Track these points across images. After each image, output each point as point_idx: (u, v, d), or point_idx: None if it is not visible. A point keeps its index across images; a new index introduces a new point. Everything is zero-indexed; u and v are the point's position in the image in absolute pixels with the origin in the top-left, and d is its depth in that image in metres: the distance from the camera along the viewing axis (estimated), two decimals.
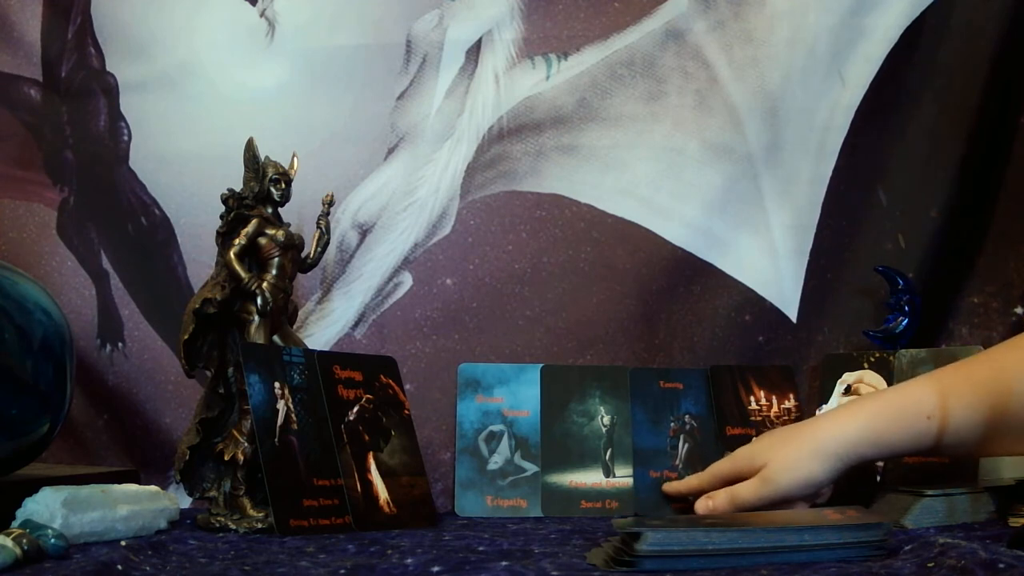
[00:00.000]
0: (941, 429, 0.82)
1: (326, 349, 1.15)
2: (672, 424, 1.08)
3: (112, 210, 1.20)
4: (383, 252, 1.18)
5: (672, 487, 0.99)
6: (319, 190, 1.07)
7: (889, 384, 1.02)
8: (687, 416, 1.09)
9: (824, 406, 1.07)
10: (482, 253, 1.18)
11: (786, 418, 1.09)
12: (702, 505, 0.90)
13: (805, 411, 1.11)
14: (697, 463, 1.06)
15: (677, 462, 1.07)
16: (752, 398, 1.10)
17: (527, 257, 1.18)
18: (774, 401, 1.10)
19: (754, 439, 0.93)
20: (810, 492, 0.86)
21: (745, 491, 0.86)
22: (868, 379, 1.06)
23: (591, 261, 1.18)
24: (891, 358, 1.05)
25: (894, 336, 1.09)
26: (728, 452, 0.98)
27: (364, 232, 1.19)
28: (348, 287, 1.18)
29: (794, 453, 0.85)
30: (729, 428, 1.07)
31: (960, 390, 0.81)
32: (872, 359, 1.06)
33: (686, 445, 1.07)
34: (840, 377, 1.07)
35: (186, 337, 0.95)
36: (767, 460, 0.86)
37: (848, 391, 1.06)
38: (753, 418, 1.08)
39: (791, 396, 1.11)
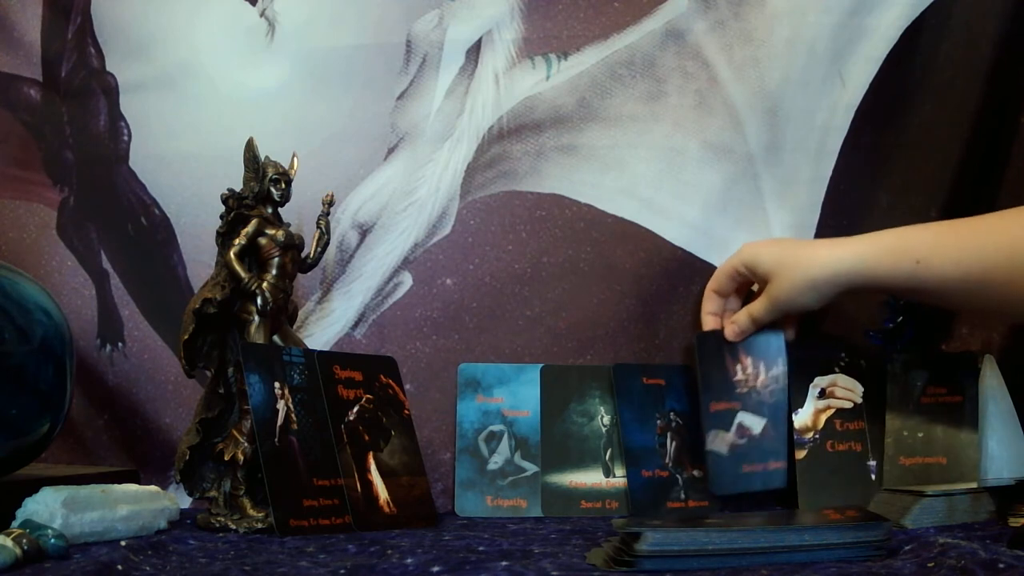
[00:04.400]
0: (927, 273, 0.87)
1: (326, 349, 1.15)
2: (659, 421, 1.08)
3: (112, 210, 1.20)
4: (383, 252, 1.18)
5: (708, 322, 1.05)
6: (319, 190, 1.07)
7: (862, 385, 1.07)
8: (672, 413, 1.09)
9: (800, 411, 1.08)
10: (482, 253, 1.18)
11: (773, 386, 1.04)
12: (730, 330, 1.00)
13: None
14: (686, 461, 1.06)
15: (667, 460, 1.07)
16: (739, 367, 1.07)
17: (527, 257, 1.18)
18: (761, 368, 1.06)
19: (756, 244, 0.99)
20: (807, 311, 0.97)
21: (757, 311, 0.97)
22: (842, 382, 1.07)
23: (591, 261, 1.18)
24: (861, 362, 1.08)
25: (894, 336, 1.09)
26: (713, 430, 1.02)
27: (364, 232, 1.19)
28: (348, 287, 1.18)
29: (798, 278, 0.93)
30: (713, 404, 1.01)
31: (949, 242, 0.87)
32: (842, 364, 1.09)
33: (674, 443, 1.07)
34: (812, 381, 1.09)
35: (186, 337, 0.95)
36: (772, 277, 0.95)
37: (823, 394, 1.07)
38: (739, 390, 1.03)
39: (779, 361, 1.07)
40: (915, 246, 0.88)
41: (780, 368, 1.02)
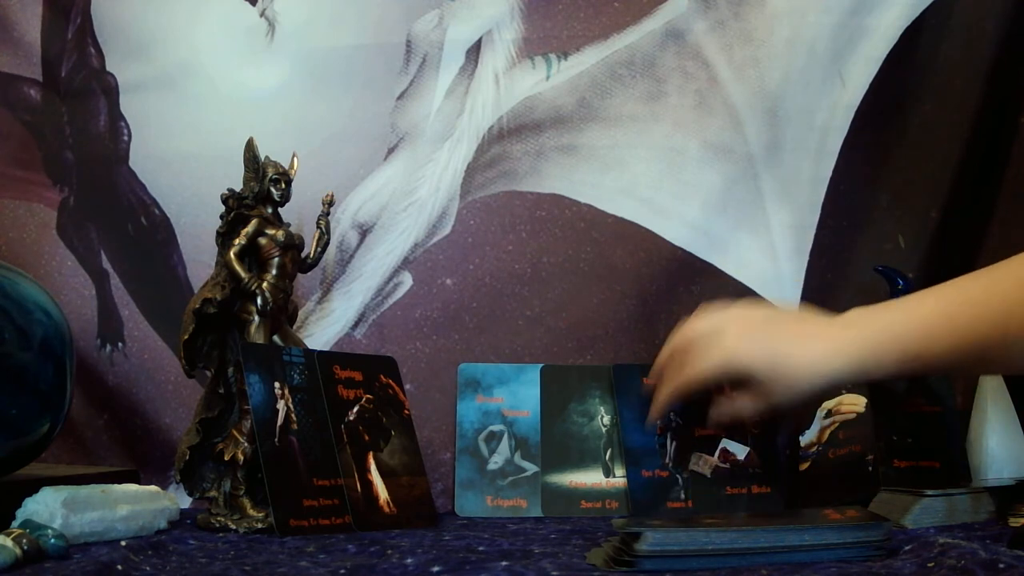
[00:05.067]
0: (925, 365, 0.84)
1: (326, 349, 1.15)
2: (659, 422, 1.08)
3: (112, 210, 1.20)
4: (383, 252, 1.18)
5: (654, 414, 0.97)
6: (319, 190, 1.07)
7: (868, 400, 1.04)
8: (672, 413, 1.08)
9: (807, 432, 1.08)
10: (482, 253, 1.18)
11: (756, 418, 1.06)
12: (712, 425, 0.92)
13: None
14: (686, 461, 1.06)
15: (667, 460, 1.07)
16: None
17: (527, 257, 1.18)
18: None
19: (737, 342, 0.88)
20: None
21: (747, 410, 0.88)
22: (847, 401, 1.07)
23: (591, 261, 1.18)
24: None
25: None
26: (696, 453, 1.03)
27: (364, 232, 1.18)
28: (348, 287, 1.18)
29: (798, 388, 0.86)
30: (698, 429, 1.06)
31: (943, 332, 0.82)
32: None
33: (674, 443, 1.07)
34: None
35: (186, 337, 0.95)
36: (768, 383, 0.86)
37: (829, 414, 1.07)
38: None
39: None
40: (911, 342, 0.82)
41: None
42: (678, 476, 1.06)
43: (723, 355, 0.86)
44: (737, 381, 0.87)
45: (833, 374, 0.85)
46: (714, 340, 0.87)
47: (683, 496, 1.05)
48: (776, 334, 0.87)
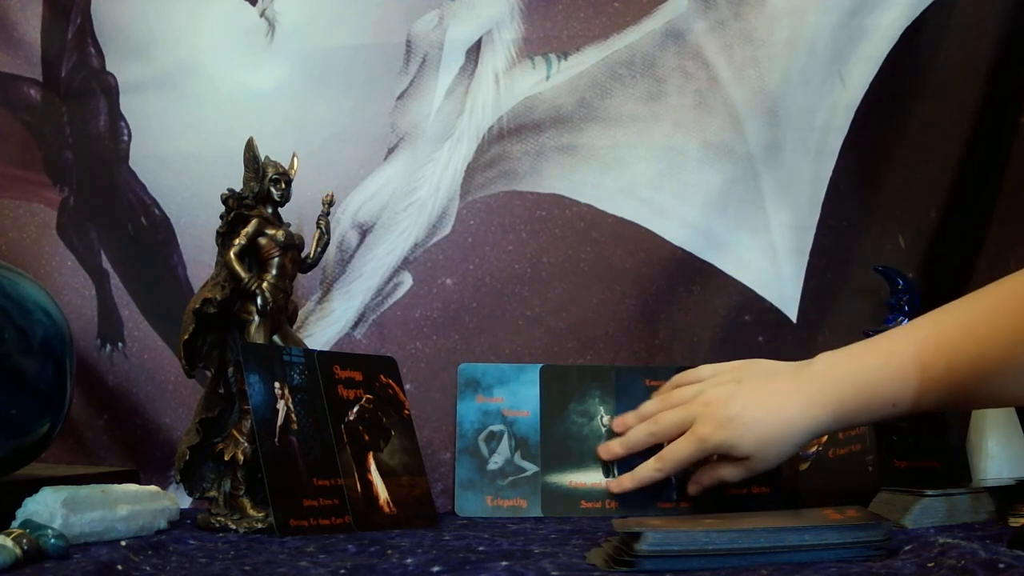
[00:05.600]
0: (904, 411, 0.84)
1: (326, 349, 1.15)
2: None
3: (112, 210, 1.20)
4: (383, 252, 1.18)
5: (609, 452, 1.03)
6: (319, 190, 1.07)
7: None
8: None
9: None
10: (482, 253, 1.18)
11: None
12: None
13: None
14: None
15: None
16: None
17: (527, 257, 1.18)
18: None
19: (722, 423, 0.91)
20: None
21: (732, 477, 0.93)
22: None
23: (591, 261, 1.18)
24: None
25: None
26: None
27: (364, 232, 1.19)
28: (348, 287, 1.18)
29: (784, 451, 0.90)
30: None
31: (917, 383, 0.82)
32: None
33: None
34: None
35: (186, 337, 0.95)
36: (753, 456, 0.90)
37: None
38: None
39: None
40: (884, 390, 0.83)
41: None
42: (672, 477, 1.06)
43: (696, 444, 0.91)
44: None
45: (805, 433, 0.87)
46: (691, 422, 0.92)
47: (675, 497, 1.05)
48: (743, 409, 0.89)
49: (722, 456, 0.93)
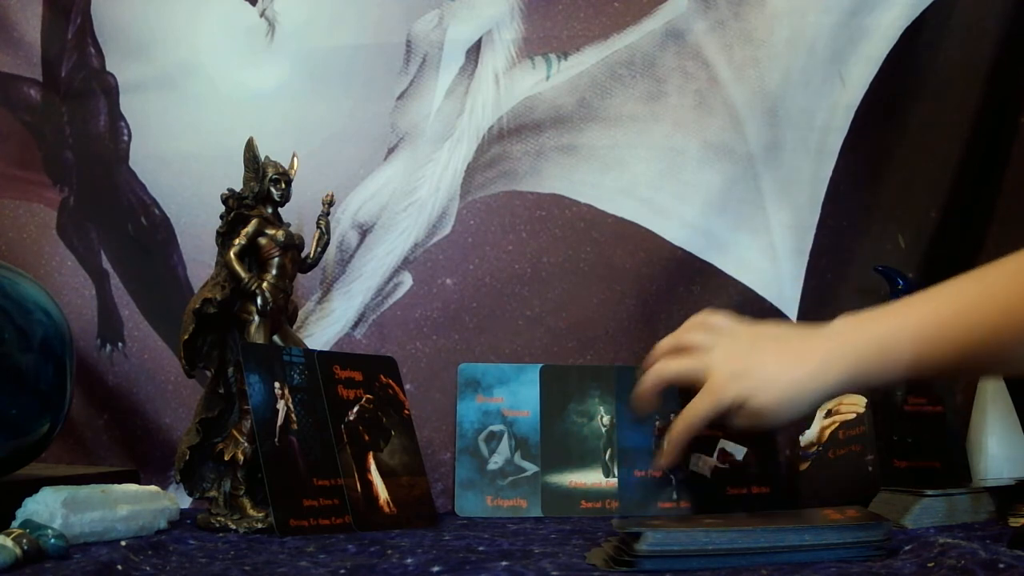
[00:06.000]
0: (915, 375, 0.83)
1: (326, 349, 1.15)
2: (657, 422, 1.08)
3: (112, 210, 1.20)
4: (383, 252, 1.18)
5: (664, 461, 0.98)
6: (319, 190, 1.07)
7: (868, 400, 1.04)
8: (672, 415, 1.08)
9: (807, 432, 1.08)
10: (482, 253, 1.18)
11: None
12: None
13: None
14: (682, 462, 1.06)
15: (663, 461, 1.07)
16: None
17: (527, 257, 1.18)
18: None
19: (739, 376, 0.88)
20: None
21: (739, 424, 0.89)
22: (847, 400, 1.07)
23: (591, 261, 1.18)
24: None
25: None
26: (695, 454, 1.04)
27: (364, 232, 1.19)
28: (348, 287, 1.18)
29: (784, 399, 0.86)
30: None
31: (936, 341, 0.81)
32: None
33: None
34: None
35: (186, 337, 0.95)
36: (750, 396, 0.86)
37: (829, 414, 1.07)
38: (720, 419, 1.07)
39: None
40: (903, 351, 0.82)
41: None
42: (672, 477, 1.06)
43: (712, 399, 0.88)
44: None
45: (821, 392, 0.85)
46: (705, 375, 0.88)
47: (675, 496, 1.05)
48: (761, 363, 0.87)
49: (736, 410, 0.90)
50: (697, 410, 0.90)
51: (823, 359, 0.85)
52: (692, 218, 1.18)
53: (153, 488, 0.93)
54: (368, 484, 0.96)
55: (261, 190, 1.00)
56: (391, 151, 1.19)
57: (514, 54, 1.19)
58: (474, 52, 1.19)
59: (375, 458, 0.98)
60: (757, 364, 0.88)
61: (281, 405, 0.93)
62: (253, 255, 0.99)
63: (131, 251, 1.20)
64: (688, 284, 1.18)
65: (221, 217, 1.00)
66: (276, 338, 0.99)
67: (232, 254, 0.97)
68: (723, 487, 1.05)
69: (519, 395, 1.10)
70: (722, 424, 0.92)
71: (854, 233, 1.19)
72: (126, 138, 1.20)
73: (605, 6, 1.19)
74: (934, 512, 0.90)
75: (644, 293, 1.18)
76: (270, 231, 0.99)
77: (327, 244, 1.06)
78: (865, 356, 0.84)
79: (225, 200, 1.00)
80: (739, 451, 1.07)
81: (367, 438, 0.99)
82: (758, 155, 1.18)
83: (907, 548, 0.75)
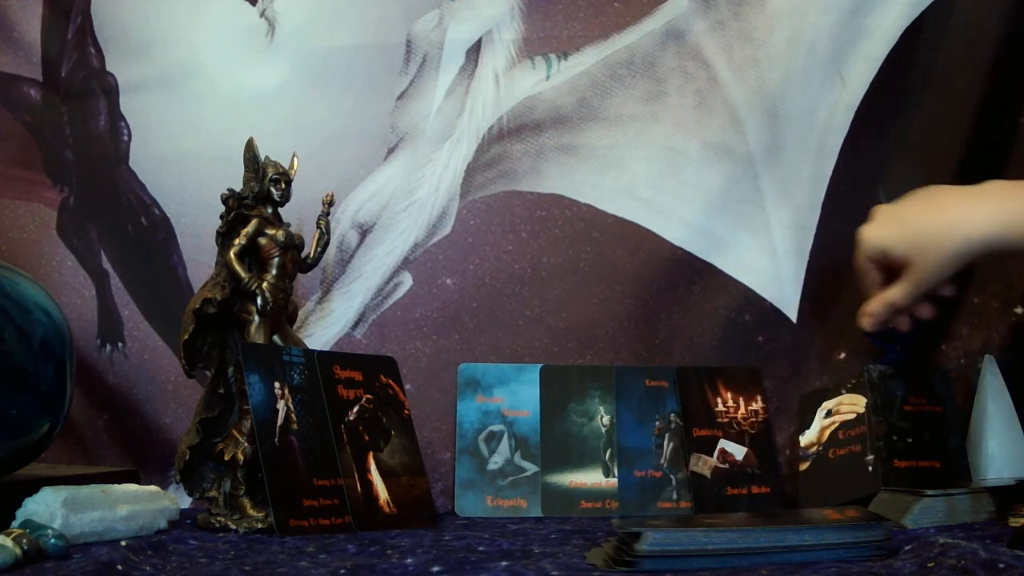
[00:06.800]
0: None
1: (326, 349, 1.15)
2: (657, 422, 1.08)
3: (112, 210, 1.20)
4: (383, 252, 1.18)
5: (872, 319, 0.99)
6: (319, 190, 1.07)
7: (868, 400, 1.04)
8: (672, 415, 1.09)
9: (807, 432, 1.08)
10: (482, 253, 1.18)
11: (753, 419, 1.10)
12: (867, 322, 0.97)
13: (773, 420, 1.12)
14: (682, 462, 1.06)
15: (662, 461, 1.07)
16: (719, 400, 1.10)
17: (527, 257, 1.18)
18: (741, 403, 1.10)
19: (877, 230, 0.94)
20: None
21: (899, 297, 0.94)
22: (847, 401, 1.07)
23: (591, 261, 1.18)
24: (861, 377, 1.06)
25: (894, 336, 1.09)
26: (695, 454, 1.05)
27: (364, 232, 1.19)
28: (348, 287, 1.18)
29: (944, 259, 0.90)
30: (696, 430, 1.08)
31: None
32: (850, 384, 1.08)
33: (671, 444, 1.08)
34: (820, 406, 1.09)
35: (186, 337, 0.95)
36: (911, 261, 0.91)
37: (829, 414, 1.07)
38: (720, 419, 1.09)
39: (758, 398, 1.11)
40: None
41: (759, 403, 1.10)
42: (672, 477, 1.06)
43: (863, 247, 0.94)
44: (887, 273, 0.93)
45: (967, 239, 0.88)
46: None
47: (675, 497, 1.05)
48: (912, 213, 0.92)
49: (887, 280, 0.94)
50: (856, 265, 0.96)
51: (971, 208, 0.89)
52: (692, 218, 1.18)
53: (153, 488, 0.93)
54: (368, 484, 0.96)
55: (261, 190, 1.00)
56: (391, 151, 1.19)
57: (514, 54, 1.19)
58: (474, 52, 1.19)
59: (375, 458, 0.98)
60: (902, 211, 0.94)
61: (281, 405, 0.93)
62: (253, 255, 0.99)
63: (131, 251, 1.20)
64: (688, 284, 1.18)
65: (221, 217, 1.00)
66: (276, 338, 0.99)
67: (232, 254, 0.97)
68: (723, 487, 1.05)
69: (519, 395, 1.10)
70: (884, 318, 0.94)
71: (854, 233, 1.19)
72: (126, 138, 1.20)
73: (605, 6, 1.19)
74: (934, 512, 0.91)
75: (644, 293, 1.18)
76: (270, 231, 0.99)
77: (327, 244, 1.06)
78: (1014, 214, 0.87)
79: (225, 200, 1.00)
80: (739, 451, 1.07)
81: (367, 438, 0.99)
82: (758, 155, 1.18)
83: (907, 548, 0.75)
